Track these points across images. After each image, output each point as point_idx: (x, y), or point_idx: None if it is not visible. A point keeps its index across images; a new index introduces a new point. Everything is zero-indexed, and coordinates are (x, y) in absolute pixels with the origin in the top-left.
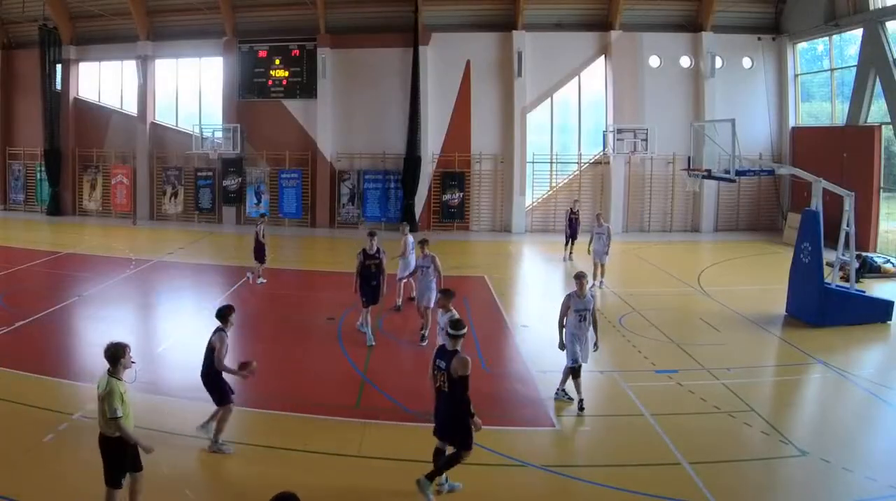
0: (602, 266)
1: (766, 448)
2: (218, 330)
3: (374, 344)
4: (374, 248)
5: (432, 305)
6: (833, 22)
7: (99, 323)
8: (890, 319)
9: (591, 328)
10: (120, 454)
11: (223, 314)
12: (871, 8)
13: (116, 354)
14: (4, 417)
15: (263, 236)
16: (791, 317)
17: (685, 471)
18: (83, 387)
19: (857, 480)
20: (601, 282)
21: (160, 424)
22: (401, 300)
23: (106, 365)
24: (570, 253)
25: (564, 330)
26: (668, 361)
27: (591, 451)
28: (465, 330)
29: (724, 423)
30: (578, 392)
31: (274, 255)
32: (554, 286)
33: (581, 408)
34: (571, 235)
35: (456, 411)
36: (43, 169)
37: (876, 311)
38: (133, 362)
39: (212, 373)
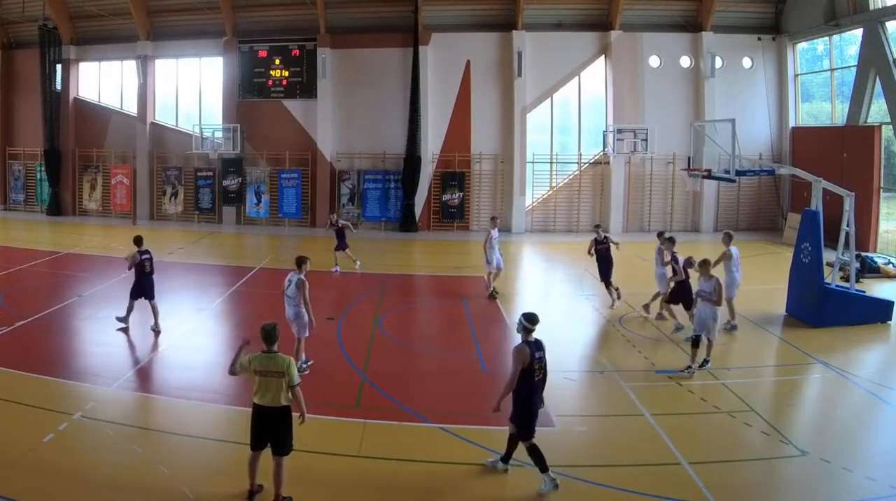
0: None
1: (766, 448)
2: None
3: None
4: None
5: (306, 334)
6: (833, 22)
7: (99, 323)
8: (890, 319)
9: (711, 307)
10: (292, 419)
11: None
12: (871, 8)
13: (275, 335)
14: (4, 417)
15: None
16: (791, 317)
17: (685, 471)
18: (83, 387)
19: (857, 480)
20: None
21: (160, 424)
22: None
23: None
24: (617, 296)
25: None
26: (668, 361)
27: (591, 451)
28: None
29: (724, 423)
30: (692, 358)
31: (274, 256)
32: (554, 286)
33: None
34: (605, 275)
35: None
36: (43, 169)
37: (876, 311)
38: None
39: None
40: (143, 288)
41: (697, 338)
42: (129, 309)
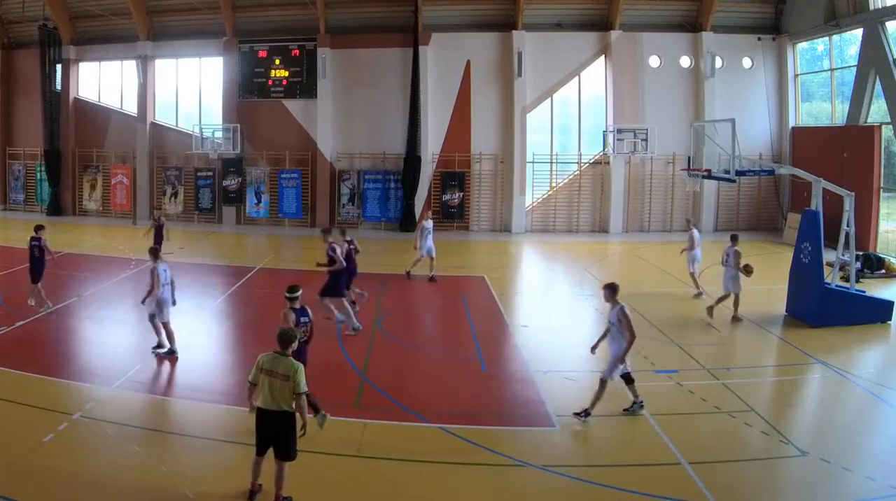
0: None
1: (766, 448)
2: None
3: None
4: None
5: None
6: (833, 22)
7: (99, 323)
8: (890, 319)
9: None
10: (296, 426)
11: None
12: (871, 8)
13: (291, 338)
14: (4, 417)
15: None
16: (791, 317)
17: (685, 471)
18: (83, 387)
19: (857, 480)
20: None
21: (159, 424)
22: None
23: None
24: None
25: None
26: (668, 361)
27: (591, 451)
28: (298, 293)
29: (724, 423)
30: (593, 402)
31: (274, 255)
32: (554, 286)
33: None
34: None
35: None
36: (43, 169)
37: (876, 311)
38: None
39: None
40: (32, 271)
41: (604, 381)
42: (32, 292)
